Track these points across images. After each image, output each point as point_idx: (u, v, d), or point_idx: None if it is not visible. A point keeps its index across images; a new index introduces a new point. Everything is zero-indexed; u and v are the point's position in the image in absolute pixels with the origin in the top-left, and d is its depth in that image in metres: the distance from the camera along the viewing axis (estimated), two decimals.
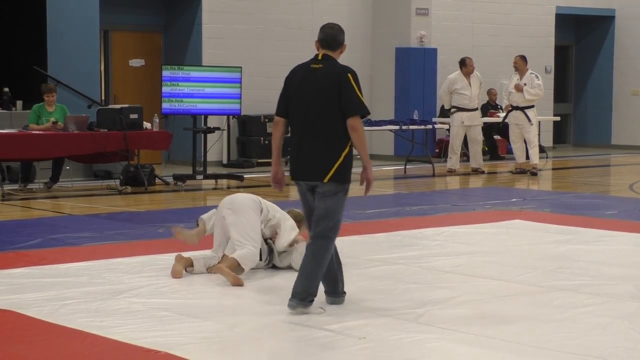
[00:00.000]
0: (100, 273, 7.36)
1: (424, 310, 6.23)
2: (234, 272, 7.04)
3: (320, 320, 5.90)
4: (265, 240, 7.52)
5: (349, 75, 6.12)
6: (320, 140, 6.14)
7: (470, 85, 16.10)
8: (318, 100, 6.14)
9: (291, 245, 7.51)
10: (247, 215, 7.34)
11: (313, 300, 6.11)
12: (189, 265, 7.39)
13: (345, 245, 8.19)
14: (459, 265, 7.78)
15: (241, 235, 7.26)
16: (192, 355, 5.16)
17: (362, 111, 6.14)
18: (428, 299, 6.53)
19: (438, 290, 6.84)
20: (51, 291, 6.68)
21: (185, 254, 7.46)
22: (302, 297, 6.06)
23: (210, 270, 7.35)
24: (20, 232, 9.42)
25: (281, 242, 7.49)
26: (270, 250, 7.53)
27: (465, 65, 16.12)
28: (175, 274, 7.23)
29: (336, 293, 6.37)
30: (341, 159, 6.11)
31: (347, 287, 6.48)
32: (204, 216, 7.67)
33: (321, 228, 6.11)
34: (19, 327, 5.77)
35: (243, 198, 7.56)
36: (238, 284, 6.95)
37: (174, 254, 8.02)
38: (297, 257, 7.42)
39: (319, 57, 6.22)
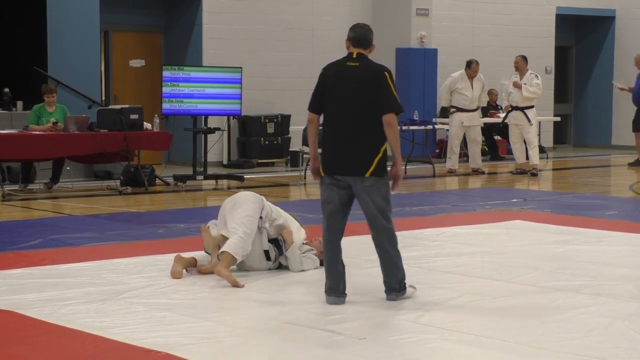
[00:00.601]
0: (101, 273, 7.36)
1: (424, 310, 6.23)
2: (230, 267, 7.06)
3: (320, 320, 5.91)
4: (271, 240, 7.52)
5: (386, 73, 6.36)
6: (360, 136, 6.34)
7: (472, 87, 16.11)
8: (357, 97, 6.34)
9: (301, 249, 7.58)
10: (245, 206, 7.34)
11: (405, 285, 6.48)
12: (190, 265, 7.39)
13: (345, 245, 8.17)
14: (459, 265, 7.78)
15: (235, 222, 7.22)
16: (192, 355, 5.16)
17: (398, 108, 6.40)
18: (428, 300, 6.53)
19: (438, 291, 6.84)
20: (51, 292, 6.68)
21: (185, 254, 7.46)
22: (398, 289, 6.45)
23: (201, 270, 7.34)
24: (20, 232, 9.42)
25: (297, 240, 7.53)
26: (280, 252, 7.52)
27: (469, 67, 16.12)
28: (175, 275, 7.23)
29: (337, 292, 6.42)
30: (380, 153, 6.35)
31: (348, 288, 6.48)
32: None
33: (378, 222, 6.40)
34: (20, 328, 5.77)
35: (245, 194, 7.59)
36: (237, 286, 6.95)
37: (174, 254, 8.03)
38: (308, 263, 7.55)
39: (354, 56, 6.43)
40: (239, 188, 13.81)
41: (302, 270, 7.50)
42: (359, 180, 6.32)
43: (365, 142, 6.33)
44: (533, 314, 6.19)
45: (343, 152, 6.37)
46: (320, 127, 6.59)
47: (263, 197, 7.60)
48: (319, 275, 7.41)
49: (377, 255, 7.27)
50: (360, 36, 6.46)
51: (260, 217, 7.42)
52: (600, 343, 5.45)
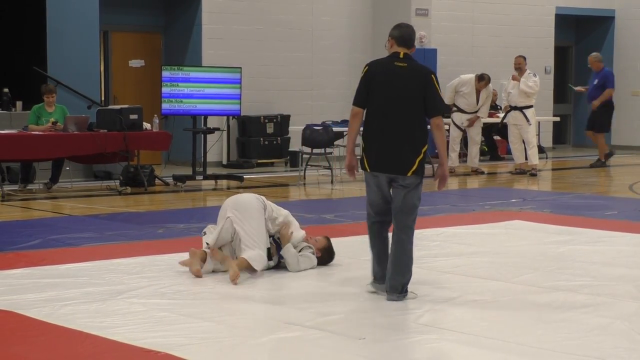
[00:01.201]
0: (100, 274, 7.36)
1: (424, 310, 6.23)
2: (242, 270, 7.11)
3: (320, 320, 5.91)
4: (272, 236, 7.52)
5: (432, 76, 6.55)
6: (404, 135, 6.50)
7: (476, 96, 16.15)
8: (404, 98, 6.49)
9: (297, 247, 7.58)
10: (253, 216, 7.37)
11: (407, 290, 6.56)
12: (203, 259, 7.37)
13: (345, 245, 8.21)
14: (459, 265, 7.78)
15: (250, 237, 7.29)
16: (191, 355, 5.16)
17: (444, 111, 6.61)
18: (428, 300, 6.53)
19: (438, 291, 6.84)
20: (51, 292, 6.68)
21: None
22: (400, 290, 6.51)
23: (214, 254, 7.33)
24: (20, 232, 9.42)
25: (296, 238, 7.56)
26: (278, 249, 7.52)
27: (479, 82, 16.15)
28: (196, 273, 7.21)
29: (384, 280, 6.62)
30: (422, 154, 6.55)
31: (348, 289, 6.48)
32: (211, 241, 7.48)
33: (405, 220, 6.53)
34: (19, 328, 5.77)
35: (247, 197, 7.58)
36: (235, 280, 6.97)
37: (174, 255, 8.05)
38: (305, 262, 7.54)
39: (401, 56, 6.55)
40: (239, 188, 13.81)
41: (299, 271, 7.49)
42: (400, 179, 6.50)
43: (409, 142, 6.51)
44: (533, 314, 6.19)
45: (388, 150, 6.51)
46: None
47: (264, 197, 7.60)
48: (319, 275, 7.42)
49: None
50: (405, 35, 6.60)
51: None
52: (600, 343, 5.45)
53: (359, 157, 6.68)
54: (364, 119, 6.64)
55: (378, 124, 6.52)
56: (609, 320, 5.96)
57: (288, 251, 7.45)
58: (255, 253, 7.24)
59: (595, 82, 17.77)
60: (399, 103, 6.48)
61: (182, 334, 5.60)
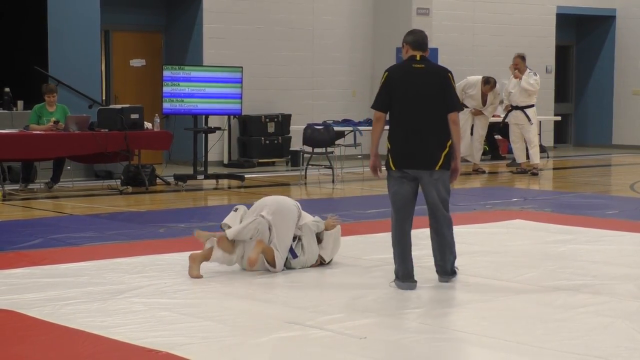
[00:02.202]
0: (101, 273, 7.36)
1: (425, 310, 6.22)
2: (266, 259, 7.29)
3: (321, 320, 5.91)
4: (295, 237, 7.57)
5: (449, 75, 6.98)
6: (429, 133, 6.86)
7: (483, 99, 16.22)
8: (425, 97, 6.87)
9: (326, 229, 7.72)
10: (289, 227, 7.49)
11: (456, 270, 7.15)
12: (205, 259, 7.37)
13: (346, 245, 8.21)
14: (460, 265, 7.76)
15: (282, 246, 7.40)
16: (192, 355, 5.16)
17: (460, 107, 7.17)
18: (428, 299, 6.54)
19: (438, 290, 6.84)
20: (52, 291, 6.68)
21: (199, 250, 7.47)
22: (451, 272, 7.08)
23: (221, 242, 7.35)
24: (21, 232, 9.42)
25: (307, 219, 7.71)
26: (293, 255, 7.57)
27: (485, 85, 16.18)
28: (194, 276, 7.22)
29: (412, 278, 6.92)
30: (447, 149, 6.88)
31: (349, 288, 6.48)
32: (230, 231, 7.48)
33: (441, 211, 6.93)
34: (20, 328, 5.77)
35: (289, 204, 7.63)
36: (253, 264, 7.18)
37: (175, 254, 8.06)
38: (335, 243, 7.73)
39: (418, 58, 6.98)
40: (240, 188, 13.82)
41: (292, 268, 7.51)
42: (428, 174, 6.84)
43: (434, 138, 6.85)
44: (534, 313, 6.19)
45: (415, 148, 6.84)
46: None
47: (299, 205, 7.68)
48: (320, 274, 7.42)
49: (377, 255, 7.27)
50: (419, 40, 7.07)
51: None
52: (601, 342, 5.44)
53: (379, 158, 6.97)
54: (387, 120, 6.97)
55: (403, 123, 6.86)
56: (610, 319, 5.96)
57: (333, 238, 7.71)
58: (280, 255, 7.36)
59: None
60: (421, 102, 6.85)
61: (183, 333, 5.60)
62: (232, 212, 7.59)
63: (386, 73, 6.98)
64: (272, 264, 7.36)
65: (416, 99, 6.85)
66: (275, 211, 7.46)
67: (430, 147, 6.83)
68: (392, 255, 7.26)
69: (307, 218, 7.72)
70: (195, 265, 7.27)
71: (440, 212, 6.92)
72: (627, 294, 6.73)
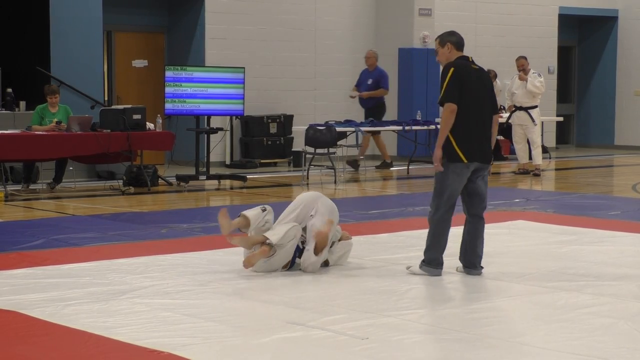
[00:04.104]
0: (103, 273, 7.36)
1: (427, 310, 6.23)
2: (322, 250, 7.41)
3: (323, 320, 5.91)
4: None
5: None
6: (488, 129, 7.37)
7: None
8: (483, 96, 7.36)
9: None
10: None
11: None
12: (243, 226, 7.44)
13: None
14: (461, 265, 7.77)
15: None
16: (195, 355, 5.16)
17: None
18: (430, 300, 6.53)
19: (441, 291, 6.84)
20: (54, 292, 6.69)
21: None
22: (480, 265, 7.38)
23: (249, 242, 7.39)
24: (23, 232, 9.43)
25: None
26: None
27: None
28: (224, 229, 7.43)
29: (441, 264, 7.32)
30: (493, 145, 7.47)
31: (350, 288, 6.48)
32: (249, 214, 7.55)
33: (485, 205, 7.41)
34: (22, 328, 5.77)
35: (335, 208, 7.70)
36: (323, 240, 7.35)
37: (177, 255, 8.07)
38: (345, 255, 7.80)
39: (470, 59, 7.45)
40: (242, 188, 13.82)
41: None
42: (485, 167, 7.34)
43: (490, 135, 7.39)
44: (535, 313, 6.18)
45: (482, 143, 7.30)
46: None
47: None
48: (321, 275, 7.41)
49: (379, 256, 7.25)
50: (461, 41, 7.59)
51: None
52: (603, 343, 5.44)
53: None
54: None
55: (472, 118, 7.21)
56: (613, 320, 5.96)
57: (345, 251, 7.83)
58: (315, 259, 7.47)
59: (370, 81, 16.57)
60: (481, 100, 7.31)
61: (185, 333, 5.60)
62: (260, 210, 7.56)
63: (452, 68, 7.25)
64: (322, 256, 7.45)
65: (478, 97, 7.27)
66: (328, 211, 7.55)
67: (489, 144, 7.36)
68: (394, 256, 7.27)
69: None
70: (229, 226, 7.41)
71: (485, 204, 7.38)
72: (629, 295, 6.73)
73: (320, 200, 7.63)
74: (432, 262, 7.27)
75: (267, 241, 7.30)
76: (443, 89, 7.22)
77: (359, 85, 16.71)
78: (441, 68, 7.49)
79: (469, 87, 7.22)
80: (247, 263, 7.32)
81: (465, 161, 7.18)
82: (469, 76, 7.27)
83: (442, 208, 7.23)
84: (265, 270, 7.38)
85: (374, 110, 16.47)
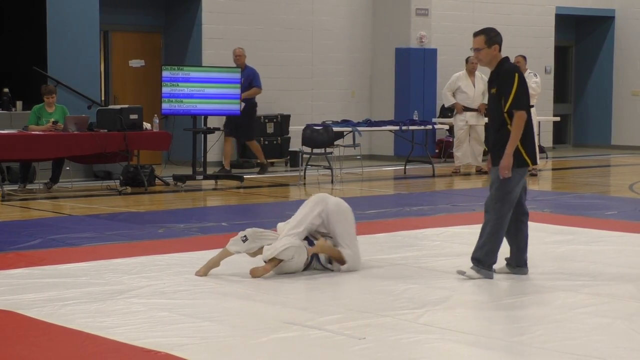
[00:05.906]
0: (100, 273, 7.36)
1: (424, 310, 6.22)
2: (337, 257, 7.39)
3: (320, 320, 5.91)
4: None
5: None
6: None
7: (474, 85, 16.15)
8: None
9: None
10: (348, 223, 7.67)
11: None
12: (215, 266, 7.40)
13: None
14: (459, 265, 7.76)
15: (352, 244, 7.51)
16: (192, 355, 5.15)
17: None
18: (428, 299, 6.53)
19: (438, 291, 6.84)
20: (51, 292, 6.68)
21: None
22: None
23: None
24: (20, 232, 9.42)
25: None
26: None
27: (467, 62, 16.18)
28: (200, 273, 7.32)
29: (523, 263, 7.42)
30: None
31: (348, 288, 6.47)
32: (232, 249, 7.40)
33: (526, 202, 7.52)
34: (19, 328, 5.77)
35: (347, 207, 7.74)
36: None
37: (174, 255, 8.08)
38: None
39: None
40: (239, 188, 13.82)
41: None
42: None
43: None
44: (533, 313, 6.19)
45: (535, 145, 7.50)
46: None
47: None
48: (319, 275, 7.41)
49: (376, 255, 7.24)
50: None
51: None
52: (601, 343, 5.45)
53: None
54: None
55: (529, 122, 7.26)
56: (610, 320, 5.96)
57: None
58: (351, 252, 7.47)
59: (242, 81, 15.29)
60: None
61: (182, 333, 5.60)
62: (241, 240, 7.38)
63: (517, 74, 7.23)
64: (341, 261, 7.41)
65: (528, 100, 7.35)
66: (339, 214, 7.58)
67: None
68: (391, 256, 7.29)
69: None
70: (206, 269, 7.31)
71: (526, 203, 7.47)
72: (627, 294, 6.73)
73: (331, 216, 7.59)
74: (489, 264, 7.24)
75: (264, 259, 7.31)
76: (512, 96, 7.10)
77: None
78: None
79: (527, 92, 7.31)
80: (253, 275, 7.27)
81: (531, 165, 7.41)
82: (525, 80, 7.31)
83: (505, 212, 7.21)
84: (283, 272, 7.36)
85: (250, 111, 15.59)
